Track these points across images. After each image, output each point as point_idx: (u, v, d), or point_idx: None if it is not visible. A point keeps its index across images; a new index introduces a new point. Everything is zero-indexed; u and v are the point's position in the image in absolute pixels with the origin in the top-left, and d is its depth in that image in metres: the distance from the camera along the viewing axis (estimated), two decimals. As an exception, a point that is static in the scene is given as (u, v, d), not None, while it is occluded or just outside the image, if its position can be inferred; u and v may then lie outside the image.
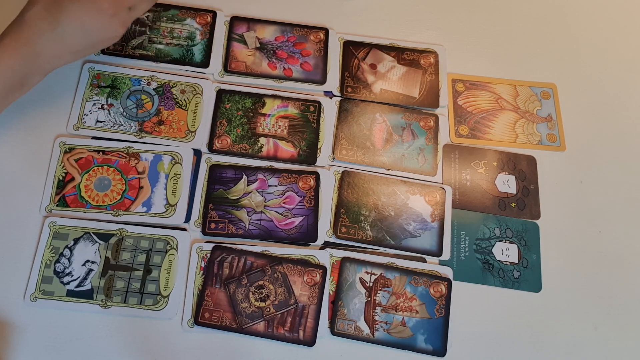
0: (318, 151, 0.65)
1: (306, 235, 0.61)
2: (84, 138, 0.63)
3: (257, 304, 0.57)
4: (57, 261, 0.57)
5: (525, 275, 0.61)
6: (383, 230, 0.61)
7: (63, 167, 0.61)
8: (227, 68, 0.68)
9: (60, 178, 0.61)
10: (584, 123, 0.70)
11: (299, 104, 0.67)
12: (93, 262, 0.57)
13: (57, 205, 0.59)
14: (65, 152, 0.62)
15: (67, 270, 0.57)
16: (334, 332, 0.57)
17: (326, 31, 0.71)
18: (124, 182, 0.61)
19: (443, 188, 0.64)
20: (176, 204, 0.60)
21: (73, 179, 0.61)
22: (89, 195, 0.60)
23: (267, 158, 0.64)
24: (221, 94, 0.66)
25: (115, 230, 0.59)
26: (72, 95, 0.64)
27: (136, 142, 0.63)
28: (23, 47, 0.49)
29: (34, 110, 0.64)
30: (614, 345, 0.60)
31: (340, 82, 0.68)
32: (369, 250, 0.61)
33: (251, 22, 0.71)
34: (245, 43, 0.69)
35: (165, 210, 0.60)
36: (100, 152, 0.62)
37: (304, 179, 0.63)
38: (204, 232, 0.60)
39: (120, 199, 0.60)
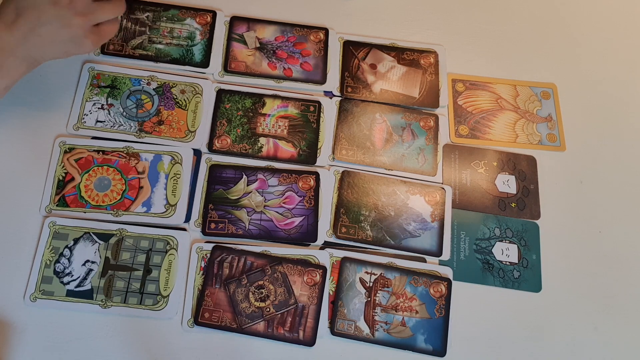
0: (318, 151, 0.65)
1: (306, 235, 0.61)
2: (84, 138, 0.63)
3: (257, 304, 0.57)
4: (57, 261, 0.57)
5: (525, 275, 0.61)
6: (383, 230, 0.61)
7: (63, 167, 0.61)
8: (227, 68, 0.68)
9: (60, 178, 0.61)
10: (584, 123, 0.70)
11: (299, 104, 0.67)
12: (93, 262, 0.57)
13: (57, 205, 0.59)
14: (65, 152, 0.62)
15: (67, 270, 0.57)
16: (334, 332, 0.57)
17: (326, 31, 0.71)
18: (123, 182, 0.61)
19: (443, 188, 0.64)
20: (176, 204, 0.60)
21: (73, 179, 0.61)
22: (88, 195, 0.60)
23: (267, 158, 0.64)
24: (221, 94, 0.66)
25: (115, 230, 0.59)
26: (72, 95, 0.64)
27: (136, 142, 0.63)
28: None
29: (34, 110, 0.64)
30: (614, 345, 0.60)
31: (340, 82, 0.68)
32: (369, 250, 0.61)
33: (251, 22, 0.71)
34: (245, 43, 0.69)
35: (165, 210, 0.60)
36: (100, 152, 0.62)
37: (304, 179, 0.63)
38: (204, 232, 0.60)
39: (120, 199, 0.60)
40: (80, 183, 0.61)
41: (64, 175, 0.61)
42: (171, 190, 0.61)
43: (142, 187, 0.61)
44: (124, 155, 0.62)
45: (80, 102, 0.64)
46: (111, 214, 0.59)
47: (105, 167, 0.61)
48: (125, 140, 0.63)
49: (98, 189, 0.61)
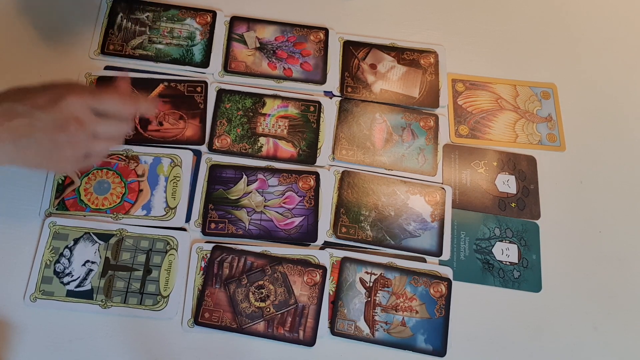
0: (318, 151, 0.65)
1: (306, 235, 0.61)
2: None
3: (257, 304, 0.57)
4: (57, 261, 0.57)
5: (525, 275, 0.61)
6: (383, 230, 0.61)
7: (63, 169, 0.61)
8: (227, 68, 0.68)
9: (60, 181, 0.60)
10: (584, 123, 0.70)
11: (299, 104, 0.67)
12: (93, 262, 0.57)
13: (56, 209, 0.59)
14: (65, 153, 0.61)
15: (67, 271, 0.57)
16: (334, 332, 0.57)
17: (326, 31, 0.71)
18: (123, 185, 0.61)
19: (443, 188, 0.64)
20: (176, 207, 0.60)
21: (72, 182, 0.61)
22: (88, 199, 0.60)
23: (267, 158, 0.64)
24: (221, 94, 0.66)
25: (115, 231, 0.59)
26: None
27: (136, 144, 0.63)
28: None
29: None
30: (614, 345, 0.60)
31: (340, 82, 0.68)
32: (369, 250, 0.61)
33: (251, 22, 0.71)
34: (245, 43, 0.69)
35: (165, 213, 0.60)
36: (100, 154, 0.62)
37: (304, 179, 0.63)
38: (204, 232, 0.60)
39: (119, 202, 0.60)
40: (79, 186, 0.60)
41: (63, 178, 0.61)
42: (171, 193, 0.61)
43: (141, 190, 0.61)
44: (124, 158, 0.62)
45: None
46: (111, 217, 0.59)
47: (105, 170, 0.61)
48: (125, 143, 0.63)
49: (98, 192, 0.60)
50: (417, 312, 0.58)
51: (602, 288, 0.62)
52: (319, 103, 0.67)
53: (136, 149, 0.62)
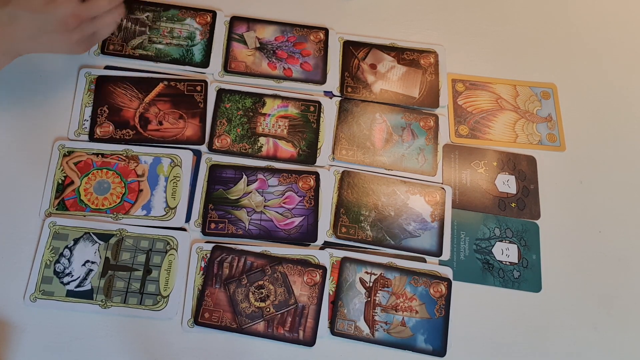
0: (318, 151, 0.65)
1: (306, 235, 0.61)
2: (83, 141, 0.63)
3: (257, 304, 0.57)
4: (57, 261, 0.57)
5: (525, 275, 0.61)
6: (383, 230, 0.61)
7: (62, 170, 0.61)
8: (227, 68, 0.68)
9: (60, 181, 0.60)
10: (584, 123, 0.70)
11: (299, 104, 0.67)
12: (93, 263, 0.57)
13: (56, 209, 0.59)
14: (65, 155, 0.61)
15: (67, 271, 0.57)
16: (333, 332, 0.57)
17: (326, 31, 0.71)
18: (123, 185, 0.61)
19: (443, 188, 0.64)
20: (176, 207, 0.60)
21: (72, 182, 0.61)
22: (88, 199, 0.60)
23: (267, 158, 0.64)
24: (221, 94, 0.66)
25: (115, 231, 0.59)
26: (71, 99, 0.64)
27: (135, 144, 0.63)
28: None
29: (33, 113, 0.63)
30: (614, 345, 0.60)
31: (340, 82, 0.68)
32: (369, 250, 0.61)
33: (251, 22, 0.71)
34: (245, 43, 0.69)
35: (165, 213, 0.60)
36: (100, 155, 0.62)
37: (303, 179, 0.63)
38: (203, 232, 0.60)
39: (119, 202, 0.60)
40: (79, 186, 0.60)
41: (63, 178, 0.61)
42: (171, 193, 0.61)
43: (141, 190, 0.61)
44: (123, 158, 0.62)
45: (80, 107, 0.64)
46: (111, 217, 0.59)
47: (105, 170, 0.61)
48: (125, 142, 0.63)
49: (97, 192, 0.60)
50: (417, 312, 0.58)
51: (602, 288, 0.62)
52: (319, 103, 0.67)
53: (136, 149, 0.62)
